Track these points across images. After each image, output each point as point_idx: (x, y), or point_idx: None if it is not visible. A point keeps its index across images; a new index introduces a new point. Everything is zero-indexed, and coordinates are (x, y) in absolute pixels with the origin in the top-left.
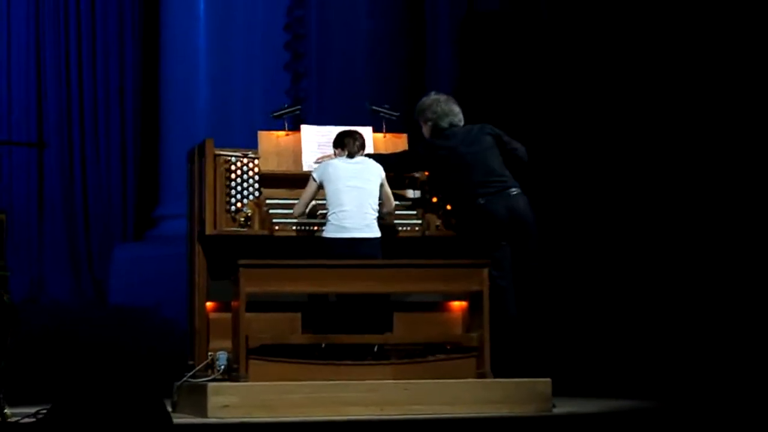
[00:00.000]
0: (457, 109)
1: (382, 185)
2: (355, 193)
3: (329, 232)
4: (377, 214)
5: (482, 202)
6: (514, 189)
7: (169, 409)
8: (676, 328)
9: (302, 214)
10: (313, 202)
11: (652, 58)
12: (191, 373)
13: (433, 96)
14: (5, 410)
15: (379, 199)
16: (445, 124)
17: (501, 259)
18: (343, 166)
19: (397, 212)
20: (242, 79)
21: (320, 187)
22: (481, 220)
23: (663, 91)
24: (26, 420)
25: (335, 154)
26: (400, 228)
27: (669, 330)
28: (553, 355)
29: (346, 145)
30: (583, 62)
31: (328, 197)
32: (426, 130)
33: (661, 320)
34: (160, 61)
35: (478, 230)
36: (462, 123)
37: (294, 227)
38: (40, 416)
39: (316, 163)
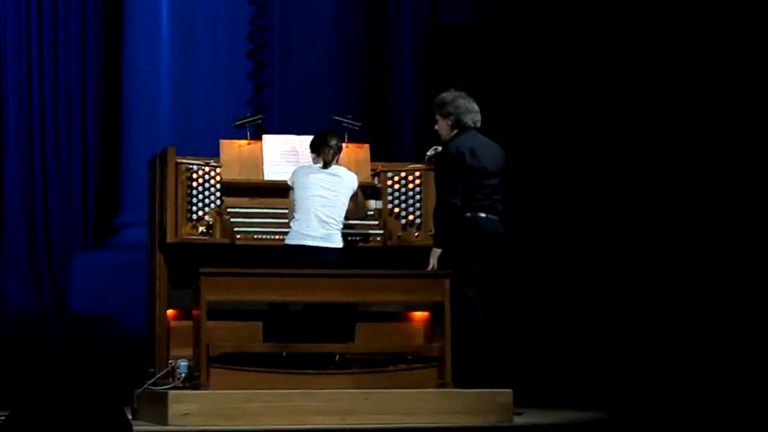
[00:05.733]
0: (477, 107)
1: (355, 195)
2: (321, 203)
3: (290, 239)
4: (341, 226)
5: (481, 215)
6: (500, 213)
7: (129, 416)
8: (634, 340)
9: None
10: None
11: (630, 65)
12: (152, 381)
13: (453, 92)
14: None
15: (351, 206)
16: (468, 120)
17: (475, 272)
18: (314, 175)
19: (359, 222)
20: (204, 87)
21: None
22: (470, 231)
23: (646, 98)
24: None
25: (312, 159)
26: (362, 238)
27: (628, 342)
28: (514, 367)
29: (321, 152)
30: (546, 73)
31: (295, 203)
32: (444, 126)
33: (620, 333)
34: (122, 68)
35: (464, 240)
36: (480, 123)
37: (255, 236)
38: None
39: None
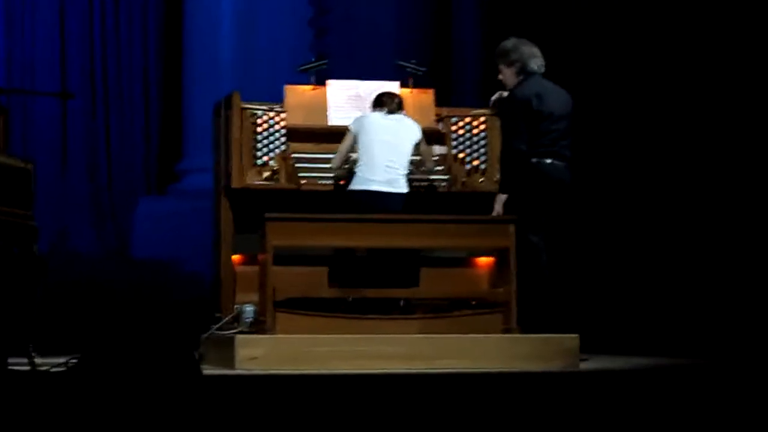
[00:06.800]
0: (540, 52)
1: (419, 144)
2: (385, 148)
3: (355, 185)
4: (405, 172)
5: (547, 161)
6: (566, 159)
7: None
8: (702, 284)
9: (340, 167)
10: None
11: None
12: (218, 326)
13: (514, 39)
14: (35, 359)
15: (418, 157)
16: (533, 65)
17: (540, 218)
18: (379, 120)
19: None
20: (266, 33)
21: (356, 139)
22: (535, 177)
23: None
24: (56, 369)
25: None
26: (426, 184)
27: (696, 286)
28: (580, 312)
29: (385, 103)
30: (612, 12)
31: (359, 149)
32: (509, 74)
33: (687, 277)
34: (184, 13)
35: (529, 186)
36: (544, 69)
37: (320, 181)
38: (70, 365)
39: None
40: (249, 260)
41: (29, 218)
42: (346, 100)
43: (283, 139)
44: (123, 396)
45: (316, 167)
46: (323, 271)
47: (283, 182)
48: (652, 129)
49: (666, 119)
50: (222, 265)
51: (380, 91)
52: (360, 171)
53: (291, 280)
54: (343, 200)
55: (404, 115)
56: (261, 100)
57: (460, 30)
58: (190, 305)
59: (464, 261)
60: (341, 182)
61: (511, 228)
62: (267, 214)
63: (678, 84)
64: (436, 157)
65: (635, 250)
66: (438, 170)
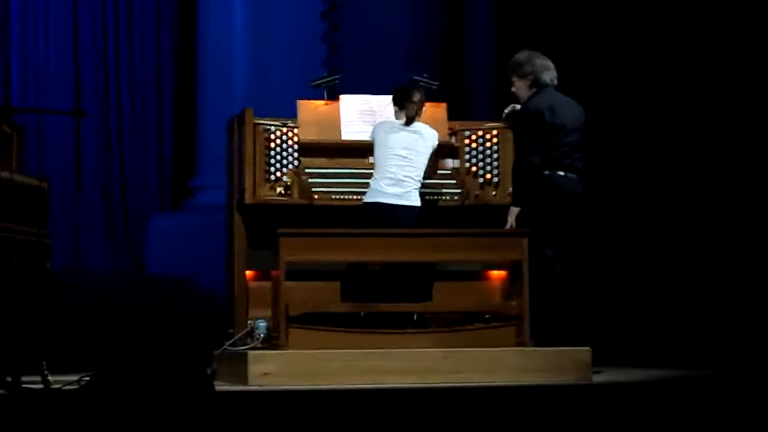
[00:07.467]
0: (552, 65)
1: (434, 152)
2: (401, 162)
3: (368, 197)
4: (418, 185)
5: (560, 173)
6: (579, 171)
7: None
8: (715, 297)
9: None
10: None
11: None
12: (231, 342)
13: (526, 51)
14: (48, 377)
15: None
16: (546, 78)
17: (553, 230)
18: (396, 132)
19: (436, 181)
20: (279, 48)
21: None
22: (547, 189)
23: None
24: (69, 387)
25: (395, 114)
26: (439, 197)
27: (709, 299)
28: (593, 325)
29: (405, 108)
30: (624, 29)
31: (375, 160)
32: (522, 87)
33: (700, 290)
34: (198, 30)
35: (542, 199)
36: (557, 81)
37: (333, 196)
38: (83, 383)
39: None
40: (262, 276)
41: (44, 236)
42: (359, 114)
43: (296, 155)
44: (136, 413)
45: (329, 182)
46: (336, 286)
47: (296, 197)
48: (665, 140)
49: (680, 131)
50: (235, 280)
51: (399, 88)
52: (373, 183)
53: (304, 295)
54: (357, 215)
55: (421, 122)
56: (274, 116)
57: (473, 43)
58: (203, 321)
59: (477, 274)
60: None
61: (525, 241)
62: (280, 230)
63: (694, 97)
64: (449, 170)
65: (648, 263)
66: (451, 183)
